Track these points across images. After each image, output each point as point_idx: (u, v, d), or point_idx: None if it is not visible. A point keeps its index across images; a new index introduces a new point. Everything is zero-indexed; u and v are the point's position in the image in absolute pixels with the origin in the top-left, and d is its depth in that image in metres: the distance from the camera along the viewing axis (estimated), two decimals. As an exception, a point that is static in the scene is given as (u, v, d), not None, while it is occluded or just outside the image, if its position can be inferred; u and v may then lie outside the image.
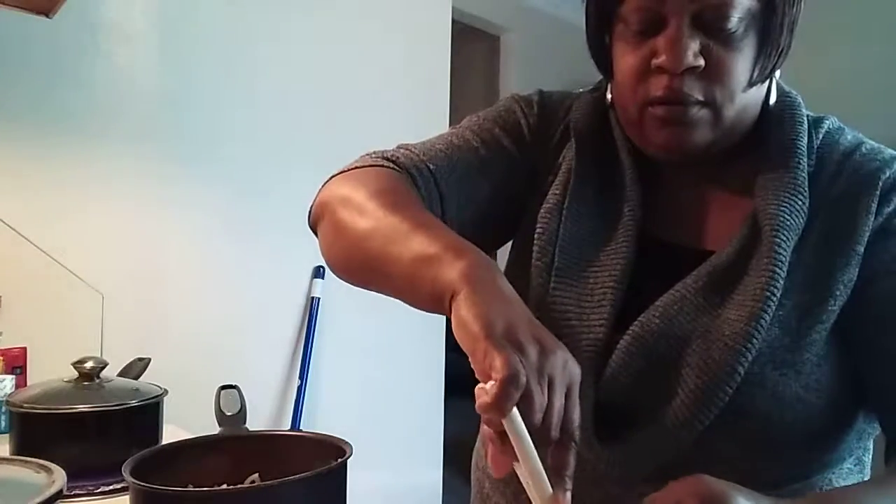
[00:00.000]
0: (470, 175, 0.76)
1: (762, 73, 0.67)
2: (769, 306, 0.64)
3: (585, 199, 0.75)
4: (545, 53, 3.63)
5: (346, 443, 0.74)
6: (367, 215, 0.64)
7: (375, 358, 2.29)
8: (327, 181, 0.74)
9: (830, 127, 0.74)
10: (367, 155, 0.77)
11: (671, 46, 0.64)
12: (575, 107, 0.80)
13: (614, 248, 0.71)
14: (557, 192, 0.76)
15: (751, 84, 0.67)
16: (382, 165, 0.73)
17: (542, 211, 0.75)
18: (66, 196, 1.71)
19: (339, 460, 0.70)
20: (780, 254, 0.65)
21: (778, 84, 0.74)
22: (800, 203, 0.67)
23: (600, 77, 0.77)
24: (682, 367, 0.65)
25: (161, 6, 1.86)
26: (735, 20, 0.64)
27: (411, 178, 0.72)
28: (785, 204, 0.67)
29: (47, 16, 1.45)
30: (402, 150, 0.76)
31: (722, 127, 0.68)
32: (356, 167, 0.74)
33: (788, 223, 0.66)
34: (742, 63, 0.66)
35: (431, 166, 0.74)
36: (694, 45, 0.64)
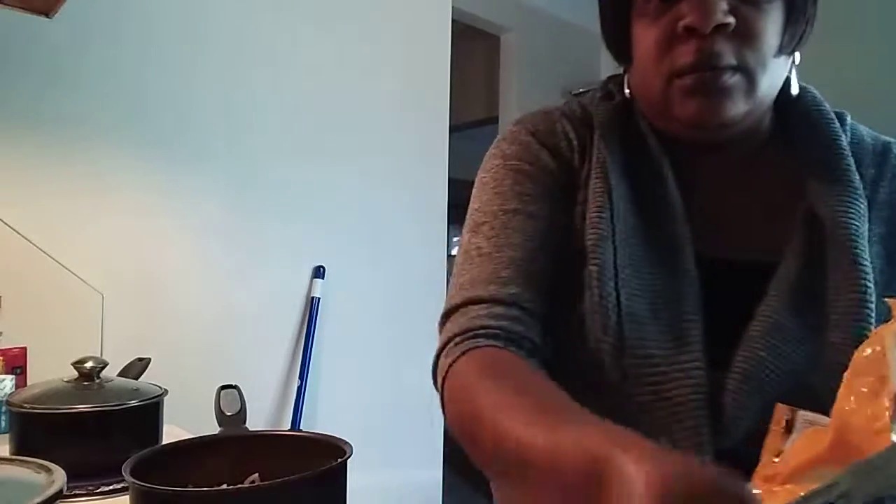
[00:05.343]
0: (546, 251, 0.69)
1: (791, 41, 0.65)
2: (870, 324, 0.60)
3: (630, 221, 0.69)
4: (545, 53, 3.63)
5: (346, 443, 0.74)
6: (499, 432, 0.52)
7: (375, 358, 2.29)
8: (449, 363, 0.64)
9: (852, 123, 0.73)
10: (462, 335, 0.65)
11: (699, 4, 0.62)
12: (597, 118, 0.75)
13: (680, 277, 0.66)
14: (603, 216, 0.68)
15: (780, 51, 0.65)
16: (489, 346, 0.63)
17: (590, 241, 0.67)
18: (67, 196, 1.71)
19: (339, 460, 0.70)
20: (864, 266, 0.62)
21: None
22: (862, 207, 0.65)
23: (597, 78, 0.76)
24: (800, 399, 0.59)
25: (162, 9, 1.86)
26: None
27: (516, 343, 0.64)
28: (852, 210, 0.64)
29: (47, 16, 1.45)
30: (491, 316, 0.65)
31: (755, 98, 0.65)
32: (470, 350, 0.63)
33: (860, 230, 0.64)
34: (771, 26, 0.63)
35: (524, 304, 0.65)
36: (722, 4, 0.62)
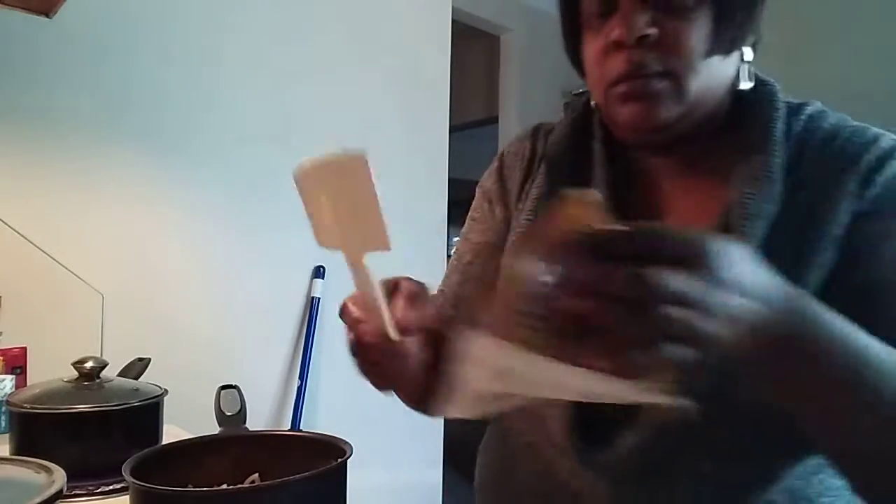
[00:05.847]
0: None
1: (721, 45, 0.67)
2: None
3: None
4: (545, 53, 3.63)
5: (346, 443, 0.74)
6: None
7: (375, 358, 2.29)
8: None
9: (812, 112, 0.73)
10: None
11: (622, 19, 0.67)
12: (548, 130, 0.84)
13: None
14: (530, 218, 0.77)
15: (709, 54, 0.67)
16: None
17: (511, 238, 0.77)
18: (67, 196, 1.71)
19: (339, 460, 0.70)
20: (749, 241, 0.63)
21: (756, 74, 0.74)
22: (773, 191, 0.66)
23: None
24: None
25: (162, 7, 1.86)
26: None
27: None
28: (756, 191, 0.66)
29: (47, 16, 1.45)
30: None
31: (686, 101, 0.68)
32: None
33: (758, 210, 0.66)
34: (696, 32, 0.66)
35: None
36: (644, 17, 0.66)
